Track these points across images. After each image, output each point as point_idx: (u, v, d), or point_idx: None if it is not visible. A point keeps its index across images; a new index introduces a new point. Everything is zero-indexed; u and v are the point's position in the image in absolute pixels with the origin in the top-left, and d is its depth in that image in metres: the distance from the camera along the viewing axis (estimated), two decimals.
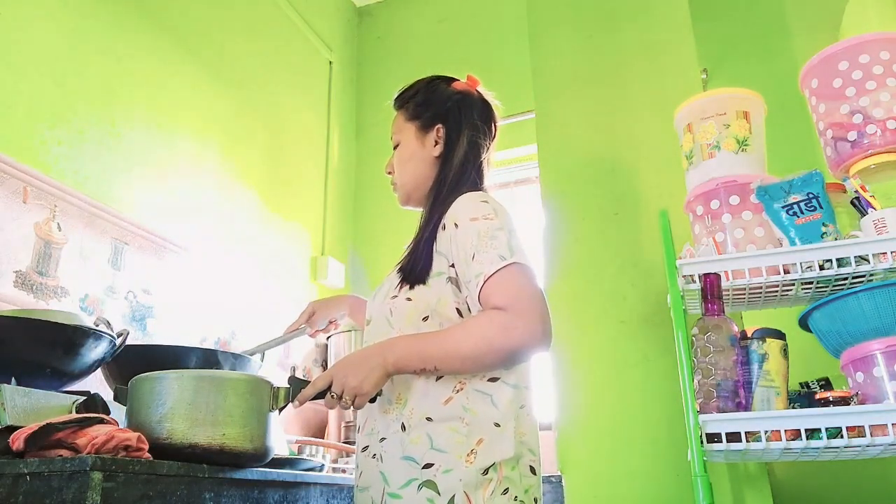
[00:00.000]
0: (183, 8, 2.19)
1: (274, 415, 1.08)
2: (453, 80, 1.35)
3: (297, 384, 1.09)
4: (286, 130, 2.69)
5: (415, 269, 1.15)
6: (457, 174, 1.24)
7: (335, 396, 1.05)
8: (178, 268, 2.00)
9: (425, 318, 1.13)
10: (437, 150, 1.27)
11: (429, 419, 1.07)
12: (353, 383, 1.04)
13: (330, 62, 3.06)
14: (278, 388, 1.09)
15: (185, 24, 2.20)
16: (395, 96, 1.36)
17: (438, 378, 1.09)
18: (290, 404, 1.10)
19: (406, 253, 1.23)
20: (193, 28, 2.23)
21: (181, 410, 0.98)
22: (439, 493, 1.02)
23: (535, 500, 1.10)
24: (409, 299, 1.14)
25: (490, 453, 1.04)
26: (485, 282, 1.06)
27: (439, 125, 1.28)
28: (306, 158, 2.81)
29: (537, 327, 1.04)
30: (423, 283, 1.14)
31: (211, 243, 2.16)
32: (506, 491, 1.04)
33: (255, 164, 2.46)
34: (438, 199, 1.22)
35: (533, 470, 1.10)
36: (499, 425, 1.07)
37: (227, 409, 1.01)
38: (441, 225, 1.16)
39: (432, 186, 1.26)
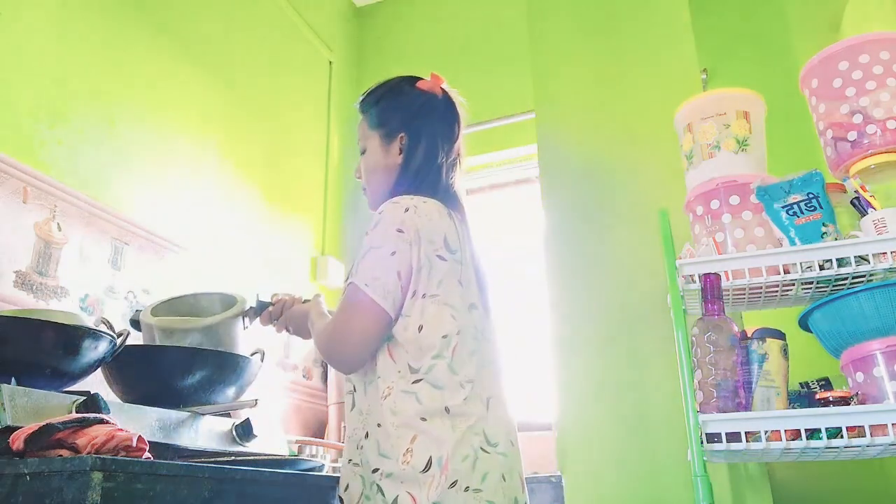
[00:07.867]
0: (183, 8, 2.19)
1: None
2: (418, 79, 1.33)
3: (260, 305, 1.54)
4: (286, 130, 2.69)
5: None
6: (413, 181, 1.24)
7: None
8: (178, 268, 2.00)
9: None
10: (401, 159, 1.27)
11: (379, 425, 1.10)
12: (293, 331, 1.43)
13: (330, 62, 3.06)
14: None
15: (185, 24, 2.20)
16: (360, 100, 1.35)
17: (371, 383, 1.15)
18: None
19: None
20: (193, 28, 2.23)
21: None
22: (384, 496, 1.04)
23: (504, 476, 1.08)
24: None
25: (426, 448, 1.04)
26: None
27: (402, 134, 1.27)
28: (306, 158, 2.81)
29: (325, 343, 1.18)
30: None
31: (211, 243, 2.16)
32: (454, 484, 1.02)
33: (255, 163, 2.46)
34: None
35: (491, 444, 1.09)
36: (425, 419, 1.07)
37: None
38: None
39: (390, 194, 1.24)
